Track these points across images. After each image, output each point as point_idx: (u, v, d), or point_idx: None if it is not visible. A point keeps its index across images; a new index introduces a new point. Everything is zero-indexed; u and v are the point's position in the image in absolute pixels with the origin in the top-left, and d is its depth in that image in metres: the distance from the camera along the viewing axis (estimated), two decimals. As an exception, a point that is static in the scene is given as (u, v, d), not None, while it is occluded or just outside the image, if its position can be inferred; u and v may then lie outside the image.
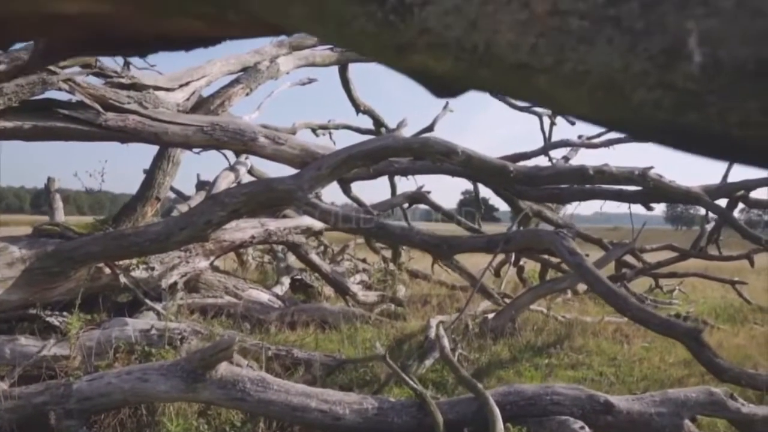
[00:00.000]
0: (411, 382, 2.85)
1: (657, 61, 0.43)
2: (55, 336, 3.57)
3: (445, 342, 3.26)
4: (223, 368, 2.70)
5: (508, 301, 4.80)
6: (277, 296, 5.04)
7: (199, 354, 2.70)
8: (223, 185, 4.86)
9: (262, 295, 4.89)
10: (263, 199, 3.85)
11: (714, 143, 0.45)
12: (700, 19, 0.41)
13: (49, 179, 5.56)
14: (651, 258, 5.58)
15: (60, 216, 5.23)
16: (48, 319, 3.77)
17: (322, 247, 6.31)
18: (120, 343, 3.08)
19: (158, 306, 4.03)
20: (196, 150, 4.30)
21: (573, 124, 5.28)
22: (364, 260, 6.73)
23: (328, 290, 5.51)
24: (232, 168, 5.31)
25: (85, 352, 3.00)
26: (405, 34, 0.51)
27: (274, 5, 0.57)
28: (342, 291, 5.20)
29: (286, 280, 5.53)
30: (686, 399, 2.76)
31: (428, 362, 3.71)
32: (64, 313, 3.89)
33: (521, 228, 4.30)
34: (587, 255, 5.39)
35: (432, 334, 3.90)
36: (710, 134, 0.44)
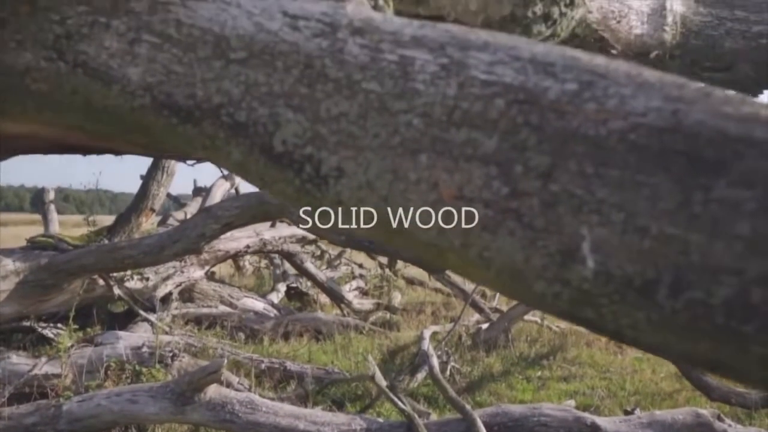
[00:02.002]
0: (399, 403, 2.86)
1: (555, 259, 0.44)
2: (49, 348, 3.60)
3: (434, 361, 3.27)
4: (212, 390, 2.72)
5: (499, 314, 4.81)
6: (272, 304, 5.06)
7: (188, 377, 2.72)
8: (218, 194, 4.87)
9: (258, 304, 4.91)
10: (256, 212, 3.86)
11: (613, 337, 0.46)
12: (594, 227, 0.42)
13: (43, 190, 5.58)
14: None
15: (54, 227, 5.25)
16: (42, 331, 3.80)
17: (318, 252, 6.32)
18: (111, 362, 3.11)
19: (152, 317, 4.05)
20: (189, 162, 4.30)
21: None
22: (360, 265, 6.75)
23: (323, 298, 5.54)
24: (226, 177, 5.32)
25: (76, 370, 3.02)
26: (322, 201, 0.52)
27: (214, 154, 0.58)
28: (337, 299, 5.23)
29: (282, 287, 5.56)
30: (673, 421, 2.78)
31: (420, 376, 3.72)
32: (59, 325, 3.92)
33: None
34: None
35: (425, 346, 3.90)
36: (606, 330, 0.45)
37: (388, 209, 0.49)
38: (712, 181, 0.39)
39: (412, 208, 0.48)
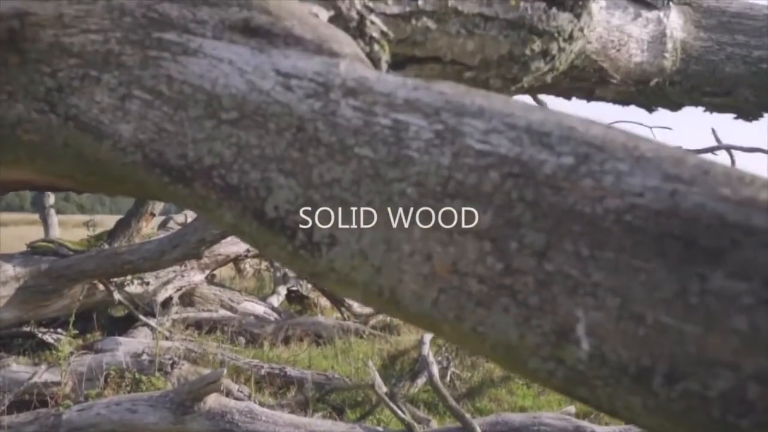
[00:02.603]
0: (399, 412, 2.86)
1: (549, 339, 0.43)
2: (50, 353, 3.60)
3: (434, 369, 3.27)
4: (212, 400, 2.71)
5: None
6: (272, 308, 5.06)
7: (187, 386, 2.72)
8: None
9: (258, 308, 4.91)
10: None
11: (609, 414, 0.45)
12: (589, 310, 0.41)
13: (43, 194, 5.58)
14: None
15: (55, 232, 5.25)
16: (42, 336, 3.80)
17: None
18: (111, 370, 3.11)
19: (152, 322, 4.05)
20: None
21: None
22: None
23: (324, 301, 5.54)
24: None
25: (76, 378, 3.02)
26: (315, 267, 0.52)
27: (207, 214, 0.57)
28: (337, 303, 5.22)
29: (282, 290, 5.55)
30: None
31: (420, 381, 3.72)
32: (59, 330, 3.92)
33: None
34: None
35: (425, 351, 3.90)
36: (602, 408, 0.44)
37: (381, 280, 0.48)
38: (709, 271, 0.38)
39: (405, 280, 0.48)
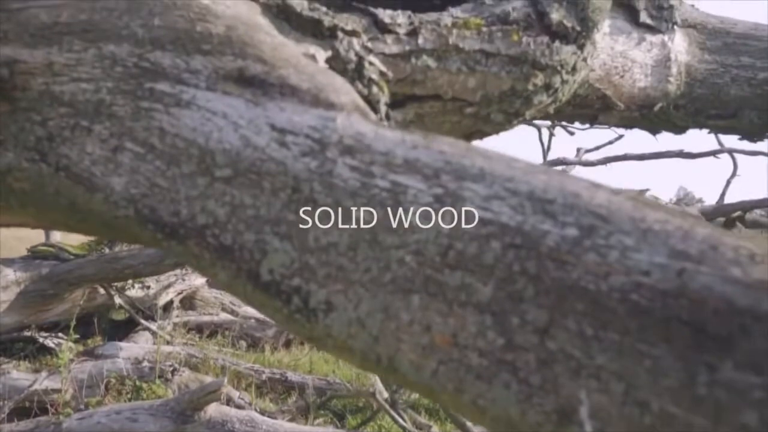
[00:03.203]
0: (400, 420, 2.85)
1: (551, 418, 0.42)
2: (51, 357, 3.60)
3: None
4: (212, 409, 2.71)
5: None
6: (273, 310, 5.05)
7: (188, 395, 2.71)
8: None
9: (259, 311, 4.90)
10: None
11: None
12: (592, 393, 0.40)
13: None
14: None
15: (55, 236, 5.25)
16: (43, 341, 3.80)
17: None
18: (112, 377, 3.10)
19: (153, 326, 4.05)
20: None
21: (572, 134, 5.26)
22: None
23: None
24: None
25: (76, 385, 3.02)
26: (311, 332, 0.50)
27: (202, 271, 0.56)
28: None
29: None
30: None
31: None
32: (60, 335, 3.92)
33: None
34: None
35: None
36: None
37: (379, 348, 0.47)
38: (718, 361, 0.36)
39: (404, 349, 0.46)
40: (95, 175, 0.57)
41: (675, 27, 1.08)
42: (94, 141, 0.57)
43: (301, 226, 0.49)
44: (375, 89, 0.65)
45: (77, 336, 3.72)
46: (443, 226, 0.45)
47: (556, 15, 0.78)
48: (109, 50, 0.57)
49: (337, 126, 0.52)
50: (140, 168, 0.55)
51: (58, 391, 3.03)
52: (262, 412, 2.90)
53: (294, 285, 0.49)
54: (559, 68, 0.80)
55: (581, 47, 0.82)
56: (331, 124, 0.52)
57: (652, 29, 1.04)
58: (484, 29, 0.73)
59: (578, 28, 0.80)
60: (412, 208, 0.47)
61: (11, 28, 0.58)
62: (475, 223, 0.45)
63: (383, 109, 0.66)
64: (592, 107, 1.01)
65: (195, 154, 0.53)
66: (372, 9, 0.71)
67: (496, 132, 0.85)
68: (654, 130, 1.17)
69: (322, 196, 0.49)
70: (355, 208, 0.48)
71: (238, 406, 2.91)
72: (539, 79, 0.78)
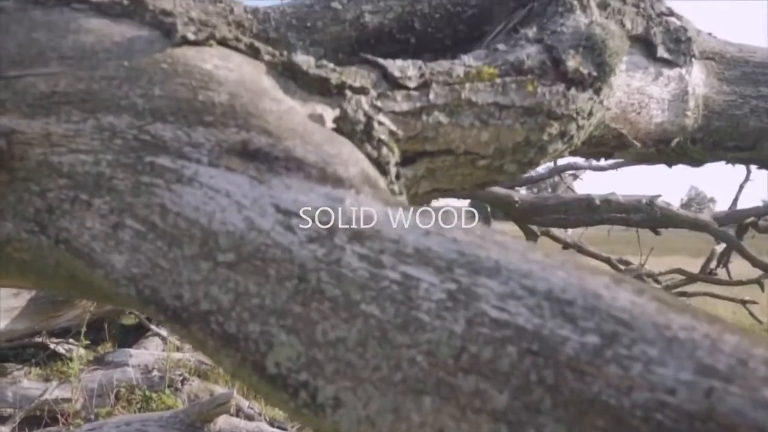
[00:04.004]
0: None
1: None
2: (61, 364, 3.61)
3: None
4: (222, 421, 2.70)
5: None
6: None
7: (197, 407, 2.70)
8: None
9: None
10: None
11: None
12: None
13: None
14: (657, 266, 5.53)
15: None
16: (54, 348, 3.81)
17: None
18: (122, 387, 3.10)
19: (163, 331, 4.05)
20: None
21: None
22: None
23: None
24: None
25: (86, 394, 3.02)
26: (319, 426, 0.48)
27: (208, 355, 0.54)
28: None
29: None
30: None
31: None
32: (71, 341, 3.93)
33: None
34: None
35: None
36: None
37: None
38: (751, 500, 0.34)
39: (416, 451, 0.44)
40: (95, 251, 0.55)
41: (693, 59, 1.05)
42: (94, 215, 0.55)
43: (308, 319, 0.47)
44: (385, 151, 0.62)
45: (88, 342, 3.73)
46: (456, 326, 0.43)
47: (572, 62, 0.75)
48: (108, 121, 0.55)
49: (345, 206, 0.50)
50: (141, 247, 0.53)
51: (69, 400, 3.03)
52: (272, 423, 2.89)
53: (301, 380, 0.47)
54: (575, 115, 0.77)
55: (598, 91, 0.79)
56: (339, 206, 0.50)
57: (670, 63, 1.01)
58: (498, 80, 0.71)
59: (595, 74, 0.78)
60: (423, 305, 0.44)
61: (9, 97, 0.56)
62: (490, 324, 0.42)
63: (393, 170, 0.64)
64: (608, 145, 0.99)
65: (197, 235, 0.51)
66: (381, 61, 0.69)
67: (509, 180, 0.83)
68: (670, 164, 1.14)
69: (330, 287, 0.47)
70: (365, 303, 0.46)
71: (248, 417, 2.90)
72: (554, 128, 0.76)
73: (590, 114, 0.80)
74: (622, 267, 4.91)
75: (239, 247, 0.50)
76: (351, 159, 0.56)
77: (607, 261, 4.90)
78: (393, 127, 0.65)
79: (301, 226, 0.49)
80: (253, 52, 0.62)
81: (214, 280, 0.50)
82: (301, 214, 0.50)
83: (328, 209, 0.50)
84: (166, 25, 0.59)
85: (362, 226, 0.49)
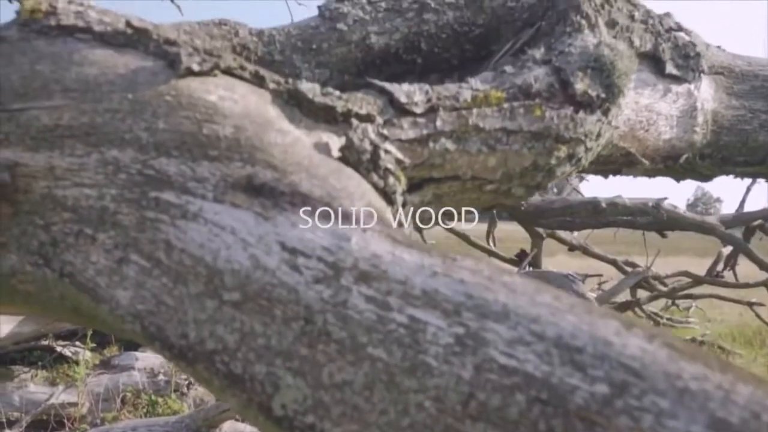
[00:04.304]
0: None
1: None
2: (68, 366, 3.62)
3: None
4: (227, 426, 2.70)
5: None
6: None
7: (203, 413, 2.71)
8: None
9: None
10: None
11: None
12: None
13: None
14: (663, 267, 5.51)
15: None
16: (61, 350, 3.82)
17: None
18: (128, 391, 3.11)
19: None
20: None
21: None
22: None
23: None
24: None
25: (93, 399, 3.03)
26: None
27: (215, 393, 0.53)
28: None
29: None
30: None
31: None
32: (77, 343, 3.94)
33: (531, 268, 4.25)
34: (601, 275, 5.32)
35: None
36: None
37: None
38: None
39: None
40: (100, 286, 0.55)
41: (701, 74, 1.04)
42: (98, 250, 0.55)
43: (314, 361, 0.46)
44: (391, 180, 0.62)
45: (94, 345, 3.74)
46: (464, 372, 0.42)
47: (580, 85, 0.75)
48: (112, 155, 0.54)
49: (351, 248, 0.49)
50: (146, 283, 0.53)
51: (75, 404, 3.04)
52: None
53: (308, 422, 0.46)
54: (583, 138, 0.76)
55: (606, 113, 0.79)
56: (346, 245, 0.49)
57: (678, 79, 1.00)
58: (506, 105, 0.70)
59: (603, 95, 0.77)
60: (431, 349, 0.44)
61: (12, 130, 0.55)
62: (499, 371, 0.42)
63: (399, 199, 0.63)
64: (616, 163, 0.98)
65: (203, 273, 0.51)
66: (388, 86, 0.68)
67: (517, 203, 0.82)
68: (678, 179, 1.13)
69: (336, 330, 0.46)
70: (372, 346, 0.45)
71: (253, 421, 2.90)
72: (562, 152, 0.75)
73: (598, 135, 0.79)
74: (628, 269, 4.89)
75: (245, 286, 0.49)
76: (357, 192, 0.56)
77: (613, 263, 4.89)
78: (400, 156, 0.64)
79: (307, 265, 0.49)
80: (258, 81, 0.62)
81: (219, 320, 0.50)
82: (307, 253, 0.49)
83: (334, 248, 0.49)
84: (171, 55, 0.58)
85: (369, 266, 0.48)
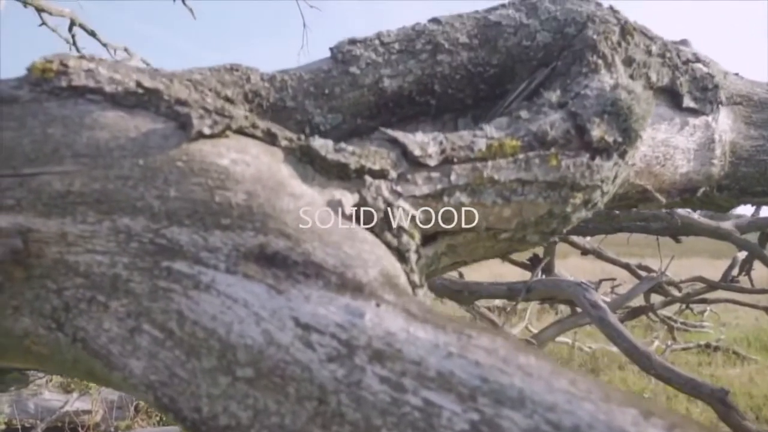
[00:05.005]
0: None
1: None
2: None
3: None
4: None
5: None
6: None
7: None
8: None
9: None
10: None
11: None
12: None
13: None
14: (677, 269, 5.47)
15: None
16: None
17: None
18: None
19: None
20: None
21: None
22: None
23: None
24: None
25: (106, 406, 3.05)
26: None
27: None
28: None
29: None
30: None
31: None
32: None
33: (544, 275, 4.22)
34: (614, 279, 5.28)
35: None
36: None
37: None
38: None
39: None
40: (113, 354, 0.54)
41: (720, 105, 1.02)
42: (111, 318, 0.54)
43: (327, 444, 0.46)
44: (405, 238, 0.61)
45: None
46: (481, 463, 0.42)
47: (597, 131, 0.74)
48: (124, 223, 0.54)
49: (365, 325, 0.49)
50: (159, 354, 0.52)
51: (89, 412, 3.06)
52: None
53: (321, 506, 0.46)
54: (599, 184, 0.75)
55: (623, 155, 0.78)
56: (359, 322, 0.49)
57: (696, 112, 0.99)
58: (521, 156, 0.69)
59: (620, 140, 0.76)
60: (446, 436, 0.43)
61: (24, 195, 0.55)
62: (516, 463, 0.41)
63: (413, 257, 0.62)
64: (631, 199, 0.97)
65: (216, 347, 0.50)
66: (401, 138, 0.68)
67: (532, 248, 0.81)
68: (695, 209, 1.11)
69: (350, 411, 0.46)
70: (386, 428, 0.45)
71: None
72: (578, 198, 0.74)
73: (615, 178, 0.78)
74: (641, 272, 4.85)
75: (258, 363, 0.49)
76: (371, 259, 0.55)
77: (626, 267, 4.85)
78: (414, 212, 0.64)
79: (320, 342, 0.48)
80: (270, 138, 0.61)
81: (233, 395, 0.49)
82: (321, 329, 0.49)
83: (348, 325, 0.48)
84: (182, 117, 0.58)
85: (383, 345, 0.47)
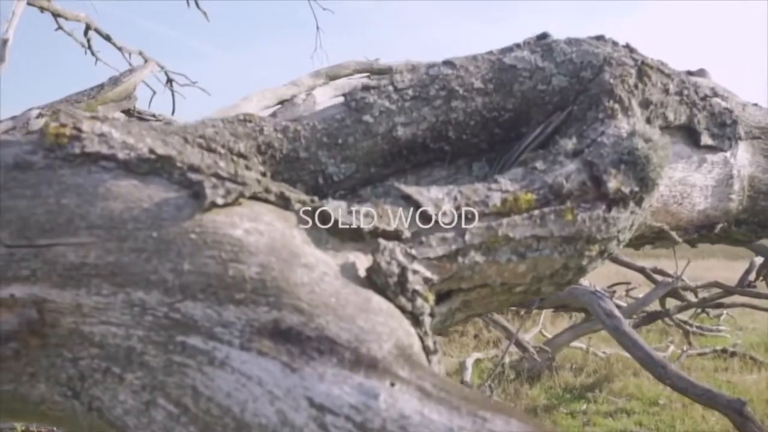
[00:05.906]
0: None
1: None
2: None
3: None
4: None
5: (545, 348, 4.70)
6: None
7: None
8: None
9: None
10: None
11: None
12: None
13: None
14: (692, 271, 5.41)
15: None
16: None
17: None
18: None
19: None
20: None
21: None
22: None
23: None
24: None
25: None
26: None
27: None
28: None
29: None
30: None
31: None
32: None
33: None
34: (629, 283, 5.25)
35: (467, 377, 3.86)
36: None
37: None
38: None
39: None
40: (129, 426, 0.55)
41: (738, 140, 1.01)
42: (126, 390, 0.55)
43: None
44: (419, 301, 0.61)
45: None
46: None
47: (613, 183, 0.73)
48: (139, 297, 0.54)
49: (379, 407, 0.48)
50: (174, 430, 0.53)
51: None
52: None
53: None
54: (615, 234, 0.74)
55: (639, 203, 0.77)
56: (373, 403, 0.48)
57: (714, 148, 0.97)
58: (536, 212, 0.69)
59: (637, 189, 0.75)
60: None
61: (39, 266, 0.55)
62: None
63: (427, 320, 0.62)
64: (647, 238, 0.96)
65: (230, 425, 0.50)
66: (415, 195, 0.67)
67: (546, 296, 0.81)
68: (713, 242, 1.10)
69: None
70: None
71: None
72: (594, 251, 0.73)
73: (632, 226, 0.78)
74: (656, 276, 4.82)
75: (272, 446, 0.49)
76: (385, 332, 0.55)
77: (641, 271, 4.82)
78: (428, 274, 0.63)
79: (335, 424, 0.48)
80: (284, 203, 0.61)
81: (247, 478, 0.49)
82: (335, 410, 0.48)
83: (362, 407, 0.48)
84: (195, 185, 0.58)
85: (397, 428, 0.47)
